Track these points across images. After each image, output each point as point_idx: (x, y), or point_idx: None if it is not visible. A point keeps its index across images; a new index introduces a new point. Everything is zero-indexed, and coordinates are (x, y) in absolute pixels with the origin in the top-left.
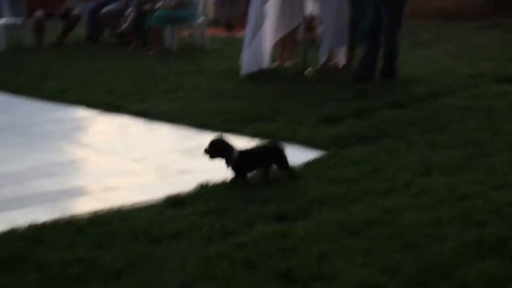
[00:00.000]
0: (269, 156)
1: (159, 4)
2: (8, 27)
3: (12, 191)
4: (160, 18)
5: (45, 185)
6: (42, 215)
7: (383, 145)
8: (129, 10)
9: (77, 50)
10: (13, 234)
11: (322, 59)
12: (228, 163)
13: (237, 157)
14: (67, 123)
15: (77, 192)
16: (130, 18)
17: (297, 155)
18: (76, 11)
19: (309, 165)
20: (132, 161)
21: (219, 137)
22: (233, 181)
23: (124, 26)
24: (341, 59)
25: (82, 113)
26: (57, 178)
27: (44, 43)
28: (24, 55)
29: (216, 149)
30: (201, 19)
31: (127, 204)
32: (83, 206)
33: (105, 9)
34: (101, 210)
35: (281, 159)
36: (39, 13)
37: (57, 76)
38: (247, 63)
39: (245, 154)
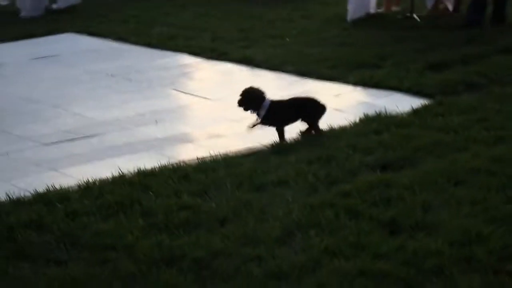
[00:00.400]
0: (300, 111)
1: None
2: None
3: (119, 137)
4: None
5: (151, 131)
6: (148, 161)
7: (492, 92)
8: None
9: None
10: (120, 180)
11: (430, 3)
12: (258, 113)
13: (268, 108)
14: (173, 70)
15: (183, 139)
16: None
17: (403, 103)
18: None
19: (414, 113)
20: (237, 107)
21: (252, 86)
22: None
23: None
24: (449, 3)
25: (188, 60)
26: (163, 124)
27: None
28: (132, 2)
29: (248, 99)
30: None
31: (232, 151)
32: (189, 153)
33: None
34: (207, 157)
35: (312, 115)
36: None
37: (164, 22)
38: (353, 8)
39: (276, 105)
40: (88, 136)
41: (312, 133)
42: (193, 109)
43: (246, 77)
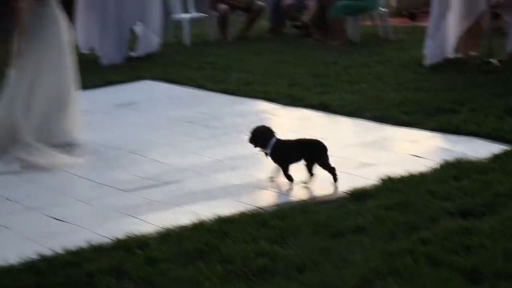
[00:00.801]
0: (306, 151)
1: None
2: (193, 22)
3: (197, 184)
4: (342, 8)
5: (229, 178)
6: (226, 208)
7: None
8: (310, 1)
9: (260, 43)
10: (199, 227)
11: (510, 47)
12: (265, 152)
13: (274, 146)
14: (250, 116)
15: (260, 185)
16: (312, 9)
17: (482, 148)
18: (259, 4)
19: (494, 158)
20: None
21: (263, 125)
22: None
23: (306, 17)
24: None
25: (265, 106)
26: (241, 171)
27: (228, 36)
28: (209, 48)
29: (256, 137)
30: (383, 9)
31: (310, 197)
32: (266, 199)
33: (287, 1)
34: (284, 203)
35: (314, 157)
36: (223, 6)
37: (241, 69)
38: (430, 52)
39: (282, 144)
40: (166, 183)
41: (313, 175)
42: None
43: (322, 123)
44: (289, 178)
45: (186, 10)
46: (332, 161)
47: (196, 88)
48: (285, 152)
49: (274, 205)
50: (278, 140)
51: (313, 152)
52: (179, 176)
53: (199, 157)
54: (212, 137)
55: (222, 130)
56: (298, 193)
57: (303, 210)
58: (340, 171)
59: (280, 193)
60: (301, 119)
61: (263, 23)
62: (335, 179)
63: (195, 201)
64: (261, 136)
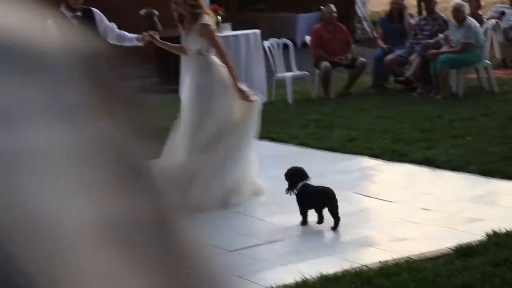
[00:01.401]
0: (324, 199)
1: (444, 49)
2: (295, 80)
3: (301, 242)
4: (445, 62)
5: (333, 235)
6: (331, 266)
7: None
8: (413, 55)
9: (363, 99)
10: (302, 286)
11: None
12: (292, 193)
13: (298, 190)
14: (354, 173)
15: (365, 243)
16: (415, 64)
17: None
18: (361, 60)
19: None
20: (420, 210)
21: (296, 167)
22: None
23: (409, 72)
24: None
25: (369, 162)
26: (345, 228)
27: (331, 93)
28: (312, 106)
29: (288, 177)
30: (487, 61)
31: (415, 254)
32: (371, 257)
33: (390, 56)
34: (389, 261)
35: (335, 204)
36: (325, 64)
37: (344, 125)
38: None
39: (304, 189)
40: (271, 242)
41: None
42: (374, 212)
43: (427, 178)
44: (304, 221)
45: (288, 69)
46: (438, 217)
47: (300, 146)
48: (305, 198)
49: (379, 263)
50: (304, 185)
51: (324, 199)
52: (284, 234)
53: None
54: None
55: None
56: (403, 250)
57: (408, 267)
58: (446, 227)
59: (385, 250)
60: (406, 175)
61: (366, 79)
62: (335, 226)
63: (300, 259)
64: (292, 178)
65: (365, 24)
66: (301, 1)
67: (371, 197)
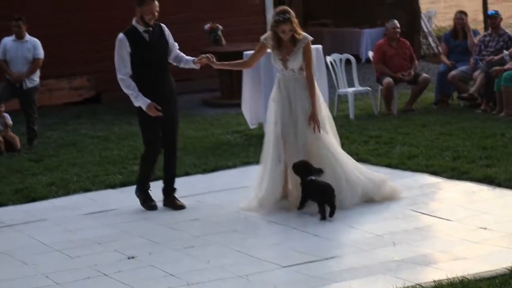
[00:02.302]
0: (325, 193)
1: (508, 65)
2: (357, 95)
3: (356, 259)
4: (510, 79)
5: (389, 253)
6: (384, 284)
7: None
8: (477, 72)
9: (426, 115)
10: None
11: None
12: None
13: (306, 183)
14: (413, 190)
15: (421, 261)
16: (478, 80)
17: None
18: (424, 76)
19: None
20: (478, 229)
21: (305, 161)
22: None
23: (473, 88)
24: None
25: (428, 180)
26: (401, 246)
27: (393, 109)
28: (373, 122)
29: (297, 170)
30: None
31: (471, 274)
32: (426, 276)
33: (453, 72)
34: (444, 280)
35: (333, 197)
36: (387, 79)
37: (405, 142)
38: None
39: (311, 183)
40: (326, 259)
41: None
42: (432, 230)
43: (487, 197)
44: (301, 206)
45: (351, 84)
46: (496, 236)
47: (360, 162)
48: (311, 191)
49: (433, 282)
50: (311, 180)
51: (329, 195)
52: (338, 252)
53: (359, 232)
54: (377, 212)
55: (384, 205)
56: (459, 269)
57: (463, 286)
58: (504, 247)
59: (440, 269)
60: (466, 193)
61: (429, 95)
62: (331, 213)
63: (354, 277)
64: (301, 171)
65: (430, 39)
66: (366, 16)
67: (429, 215)
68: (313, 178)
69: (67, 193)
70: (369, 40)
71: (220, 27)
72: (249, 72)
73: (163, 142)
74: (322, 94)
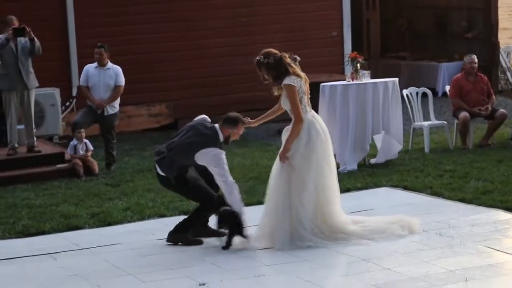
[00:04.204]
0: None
1: None
2: (433, 129)
3: None
4: None
5: None
6: None
7: None
8: None
9: (502, 150)
10: None
11: None
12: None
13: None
14: (487, 226)
15: None
16: None
17: None
18: (501, 111)
19: None
20: None
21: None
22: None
23: None
24: None
25: (503, 216)
26: (473, 282)
27: (468, 143)
28: (448, 156)
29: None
30: None
31: None
32: None
33: None
34: None
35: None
36: (464, 114)
37: (480, 177)
38: None
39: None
40: None
41: None
42: (505, 267)
43: None
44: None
45: (427, 117)
46: None
47: (433, 196)
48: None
49: None
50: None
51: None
52: (408, 286)
53: (431, 266)
54: (446, 246)
55: (457, 240)
56: None
57: None
58: None
59: None
60: None
61: (506, 130)
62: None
63: None
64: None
65: (508, 74)
66: (444, 50)
67: (503, 251)
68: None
69: (142, 218)
70: (446, 74)
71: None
72: (325, 103)
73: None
74: (397, 127)
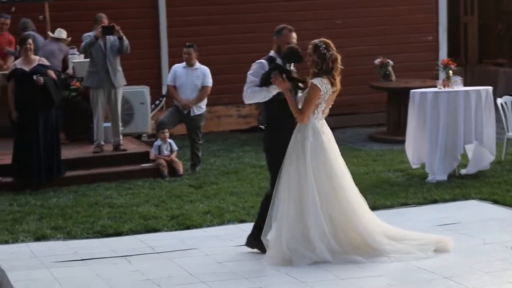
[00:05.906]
0: None
1: None
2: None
3: None
4: None
5: None
6: None
7: None
8: None
9: None
10: None
11: None
12: None
13: None
14: None
15: None
16: None
17: None
18: None
19: None
20: None
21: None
22: None
23: None
24: None
25: None
26: None
27: None
28: None
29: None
30: None
31: None
32: None
33: None
34: None
35: None
36: None
37: None
38: None
39: None
40: None
41: None
42: None
43: None
44: None
45: (508, 130)
46: None
47: None
48: None
49: None
50: None
51: None
52: None
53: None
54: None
55: None
56: None
57: None
58: None
59: None
60: None
61: None
62: None
63: None
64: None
65: None
66: None
67: None
68: None
69: (221, 222)
70: None
71: (391, 62)
72: (415, 110)
73: None
74: (490, 137)
